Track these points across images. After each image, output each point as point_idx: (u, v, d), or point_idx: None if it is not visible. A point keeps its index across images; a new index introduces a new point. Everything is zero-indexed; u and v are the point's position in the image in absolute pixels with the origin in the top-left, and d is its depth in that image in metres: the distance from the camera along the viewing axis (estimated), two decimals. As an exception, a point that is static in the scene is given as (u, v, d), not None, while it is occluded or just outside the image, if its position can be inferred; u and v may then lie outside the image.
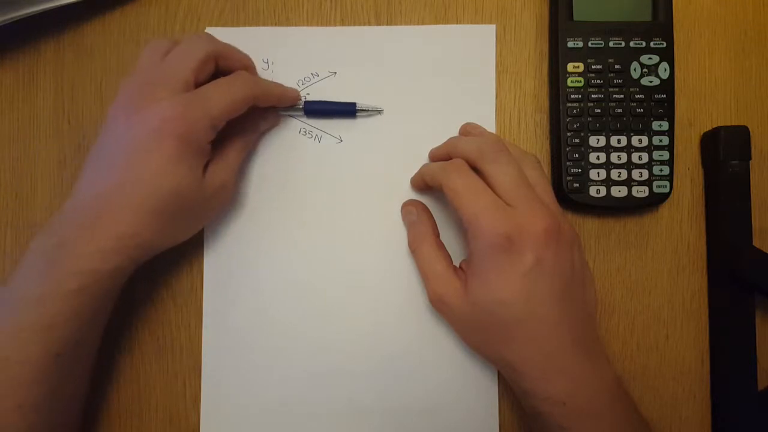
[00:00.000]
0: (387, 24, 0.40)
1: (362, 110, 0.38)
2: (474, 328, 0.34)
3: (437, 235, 0.37)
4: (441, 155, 0.37)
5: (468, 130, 0.38)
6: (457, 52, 0.39)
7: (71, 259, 0.30)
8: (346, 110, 0.38)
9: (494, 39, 0.39)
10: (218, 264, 0.38)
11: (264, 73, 0.39)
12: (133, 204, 0.30)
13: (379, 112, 0.38)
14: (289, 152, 0.39)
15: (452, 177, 0.33)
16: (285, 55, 0.39)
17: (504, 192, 0.32)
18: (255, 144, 0.38)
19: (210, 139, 0.33)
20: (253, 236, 0.38)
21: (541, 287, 0.31)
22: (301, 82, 0.39)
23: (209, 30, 0.39)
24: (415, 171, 0.38)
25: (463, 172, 0.33)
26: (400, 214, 0.38)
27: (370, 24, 0.40)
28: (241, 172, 0.37)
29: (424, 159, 0.38)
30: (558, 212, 0.33)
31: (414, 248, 0.37)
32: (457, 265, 0.35)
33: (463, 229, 0.34)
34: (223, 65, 0.35)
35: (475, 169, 0.33)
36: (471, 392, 0.37)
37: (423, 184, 0.37)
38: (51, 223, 0.31)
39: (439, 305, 0.35)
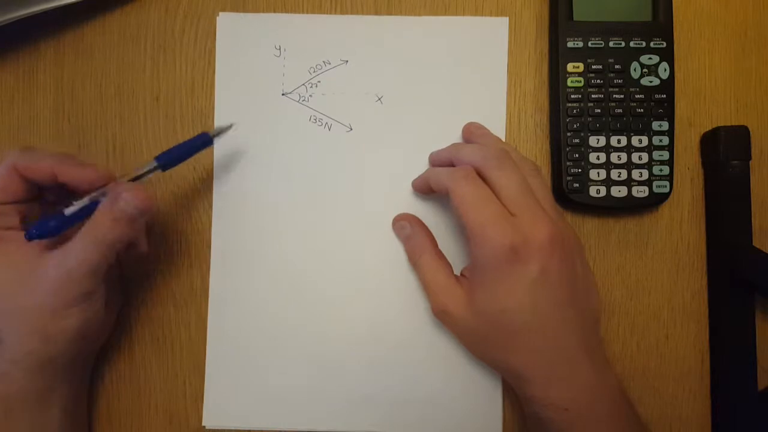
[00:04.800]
0: (386, 22, 0.40)
1: (217, 134, 0.35)
2: (478, 336, 0.34)
3: (436, 245, 0.37)
4: (443, 160, 0.36)
5: (471, 131, 0.38)
6: (470, 44, 0.39)
7: None
8: (201, 143, 0.34)
9: (507, 32, 0.39)
10: (224, 256, 0.38)
11: (276, 59, 0.39)
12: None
13: (230, 127, 0.35)
14: (298, 140, 0.39)
15: (460, 184, 0.32)
16: (296, 43, 0.39)
17: (507, 200, 0.32)
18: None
19: None
20: (258, 224, 0.38)
21: (546, 296, 0.31)
22: (312, 70, 0.39)
23: (222, 14, 0.39)
24: (423, 163, 0.38)
25: (470, 180, 0.32)
26: (406, 204, 0.38)
27: (369, 21, 0.40)
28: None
29: (432, 151, 0.38)
30: (558, 219, 0.33)
31: (414, 261, 0.37)
32: (457, 273, 0.35)
33: (466, 236, 0.34)
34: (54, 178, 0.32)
35: (479, 175, 0.33)
36: (475, 386, 0.37)
37: (426, 187, 0.36)
38: None
39: (442, 316, 0.35)
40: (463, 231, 0.37)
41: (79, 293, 0.31)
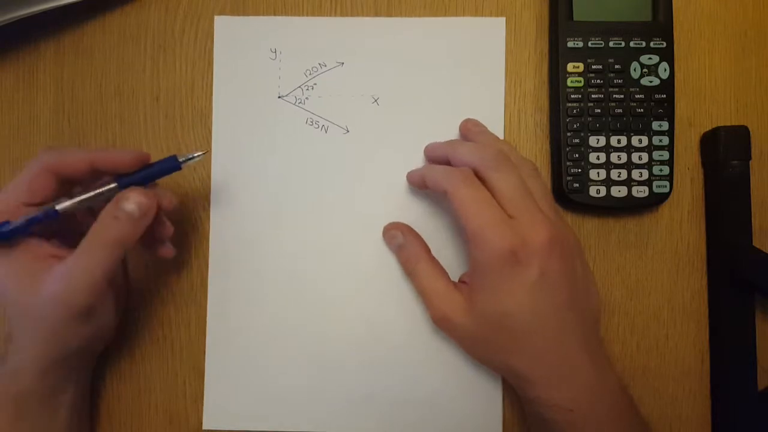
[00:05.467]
0: (387, 23, 0.39)
1: (186, 160, 0.33)
2: (479, 340, 0.34)
3: (429, 252, 0.36)
4: (439, 156, 0.36)
5: (469, 128, 0.37)
6: (466, 45, 0.39)
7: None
8: (168, 168, 0.33)
9: (504, 32, 0.39)
10: (223, 258, 0.38)
11: (271, 62, 0.39)
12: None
13: (203, 154, 0.33)
14: (295, 142, 0.39)
15: (459, 186, 0.32)
16: (292, 45, 0.39)
17: (506, 201, 0.32)
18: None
19: None
20: (257, 228, 0.38)
21: (547, 298, 0.31)
22: (308, 72, 0.39)
23: (218, 18, 0.39)
24: (420, 164, 0.38)
25: (469, 182, 0.32)
26: (404, 205, 0.38)
27: (369, 23, 0.40)
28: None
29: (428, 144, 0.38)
30: (557, 220, 0.33)
31: (410, 270, 0.36)
32: (454, 279, 0.35)
33: (464, 239, 0.33)
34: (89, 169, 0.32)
35: (477, 176, 0.33)
36: (475, 386, 0.37)
37: (421, 183, 0.36)
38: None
39: (443, 323, 0.34)
40: (462, 234, 0.37)
41: (83, 306, 0.30)
